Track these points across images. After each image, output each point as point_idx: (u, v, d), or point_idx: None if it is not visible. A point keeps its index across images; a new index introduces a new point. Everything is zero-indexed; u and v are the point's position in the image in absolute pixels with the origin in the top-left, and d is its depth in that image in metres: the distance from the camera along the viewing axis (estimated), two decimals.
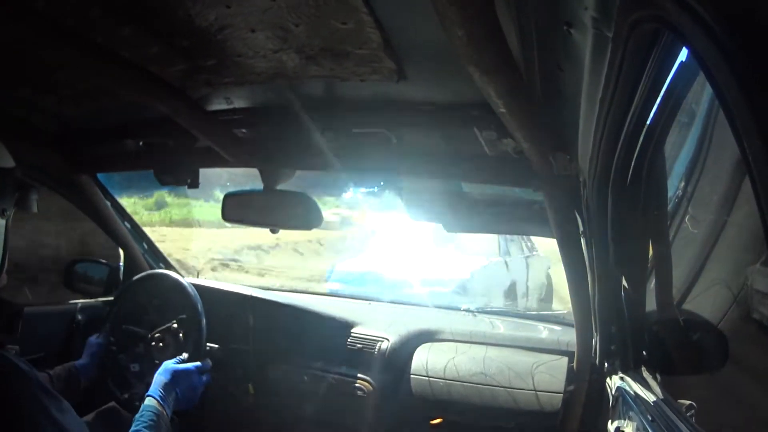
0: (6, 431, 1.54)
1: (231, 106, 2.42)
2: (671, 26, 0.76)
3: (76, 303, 3.43)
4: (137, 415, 2.18)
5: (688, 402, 1.50)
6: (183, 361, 2.60)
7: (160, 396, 2.32)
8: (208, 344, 2.91)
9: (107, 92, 2.31)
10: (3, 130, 2.56)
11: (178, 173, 2.74)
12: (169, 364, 2.52)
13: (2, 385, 1.57)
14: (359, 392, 2.99)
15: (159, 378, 2.43)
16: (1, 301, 1.76)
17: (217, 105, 2.41)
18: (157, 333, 2.93)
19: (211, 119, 2.40)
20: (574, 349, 2.77)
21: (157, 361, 2.88)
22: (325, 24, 1.66)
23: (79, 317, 3.39)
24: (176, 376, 2.46)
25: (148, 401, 2.28)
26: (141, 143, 2.78)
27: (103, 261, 3.50)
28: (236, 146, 2.54)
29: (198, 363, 2.61)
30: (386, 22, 1.62)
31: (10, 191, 1.75)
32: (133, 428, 2.10)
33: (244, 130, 2.52)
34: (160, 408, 2.26)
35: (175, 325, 2.90)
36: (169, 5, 1.66)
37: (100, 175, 3.35)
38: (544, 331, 3.25)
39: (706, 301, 1.51)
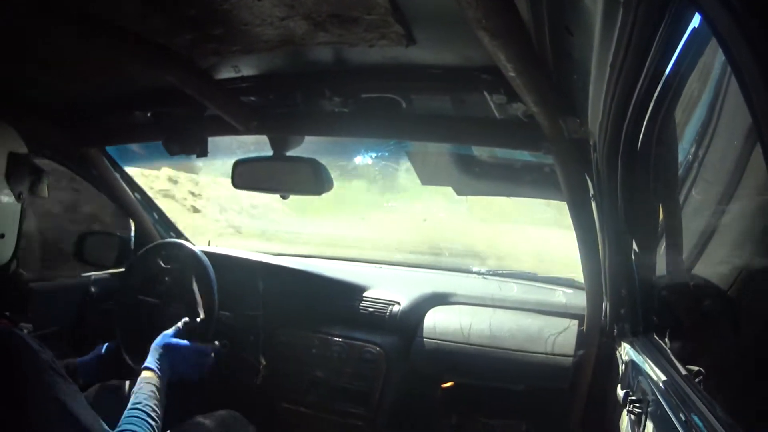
0: (14, 410, 1.56)
1: (239, 74, 2.41)
2: None
3: (89, 276, 3.46)
4: (135, 388, 2.18)
5: (696, 368, 1.50)
6: (180, 330, 2.61)
7: (156, 367, 2.31)
8: (221, 311, 2.92)
9: (114, 65, 2.30)
10: (10, 106, 2.57)
11: (187, 143, 2.73)
12: (166, 336, 2.51)
13: (13, 364, 1.59)
14: (370, 356, 3.01)
15: (154, 349, 2.42)
16: (13, 281, 1.79)
17: (225, 74, 2.39)
18: (168, 303, 2.94)
19: (220, 88, 2.40)
20: (584, 312, 2.78)
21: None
22: None
23: (92, 290, 3.42)
24: (169, 348, 2.44)
25: (144, 373, 2.28)
26: (149, 114, 2.78)
27: (114, 233, 3.51)
28: (245, 114, 2.53)
29: (205, 348, 2.62)
30: None
31: (24, 176, 1.79)
32: (132, 401, 2.09)
33: (252, 98, 2.51)
34: (156, 378, 2.26)
35: (186, 295, 2.91)
36: None
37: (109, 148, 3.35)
38: (554, 295, 3.25)
39: (717, 266, 1.51)
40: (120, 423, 1.94)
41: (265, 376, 3.19)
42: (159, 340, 2.46)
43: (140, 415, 2.04)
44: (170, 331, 2.54)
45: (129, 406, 2.06)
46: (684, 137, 1.72)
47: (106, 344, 2.82)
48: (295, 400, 3.17)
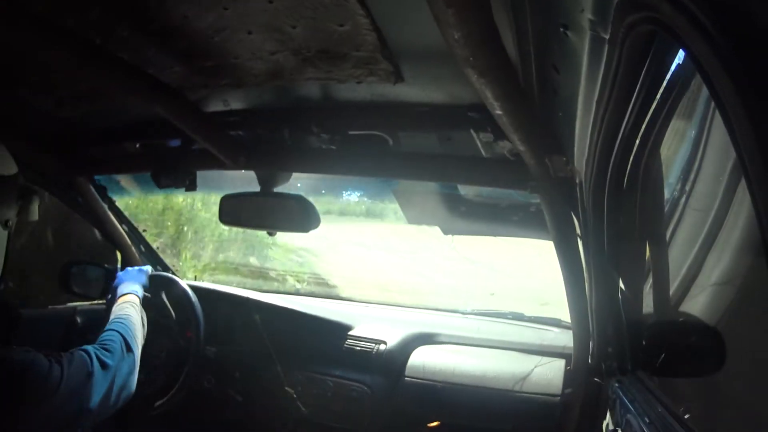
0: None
1: (228, 108, 2.42)
2: (667, 28, 0.76)
3: (74, 306, 3.42)
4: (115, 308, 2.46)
5: (685, 405, 1.50)
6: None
7: (131, 290, 2.62)
8: (206, 347, 2.90)
9: (105, 94, 2.31)
10: (0, 131, 2.56)
11: (175, 176, 2.73)
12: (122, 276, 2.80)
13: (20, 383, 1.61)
14: (356, 395, 2.99)
15: (122, 285, 2.68)
16: (0, 307, 1.76)
17: (214, 107, 2.40)
18: (157, 336, 2.92)
19: (208, 121, 2.40)
20: (571, 351, 2.77)
21: (154, 363, 2.88)
22: (322, 26, 1.66)
23: (77, 320, 3.38)
24: (127, 278, 2.75)
25: (123, 297, 2.57)
26: (138, 145, 2.77)
27: (100, 263, 3.48)
28: (233, 148, 2.53)
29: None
30: (383, 24, 1.62)
31: (13, 200, 1.73)
32: (114, 317, 2.34)
33: (240, 132, 2.52)
34: (133, 297, 2.57)
35: (172, 327, 2.90)
36: (166, 7, 1.66)
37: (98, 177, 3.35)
38: (540, 334, 3.23)
39: (704, 303, 1.51)
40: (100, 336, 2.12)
41: (248, 407, 3.16)
42: (121, 281, 2.75)
43: (118, 324, 2.25)
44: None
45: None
46: (670, 174, 1.74)
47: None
48: None
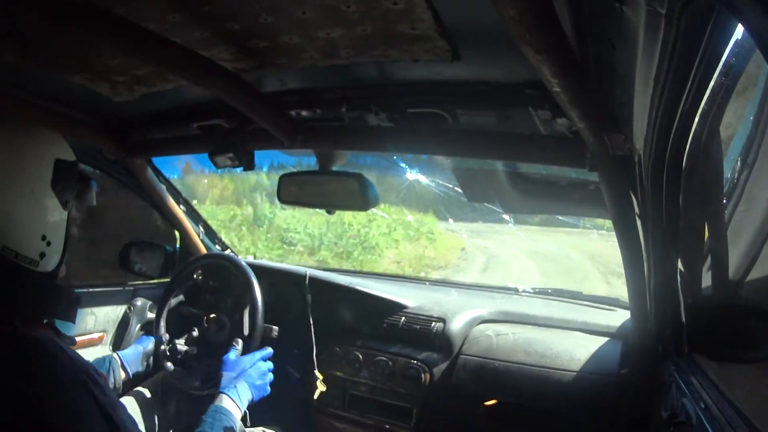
0: (56, 419, 1.54)
1: (285, 88, 2.43)
2: (726, 2, 0.74)
3: (134, 284, 3.52)
4: (205, 415, 2.16)
5: (742, 392, 1.47)
6: (236, 351, 2.67)
7: (231, 392, 2.33)
8: (264, 324, 2.94)
9: (160, 77, 2.34)
10: (59, 116, 2.63)
11: (232, 156, 2.76)
12: (234, 357, 2.57)
13: (55, 372, 1.57)
14: (413, 372, 3.00)
15: (227, 375, 2.45)
16: (60, 289, 1.79)
17: (271, 87, 2.42)
18: (213, 314, 2.97)
19: (265, 101, 2.42)
20: (629, 332, 2.73)
21: (214, 342, 2.93)
22: (377, 4, 1.65)
23: (136, 298, 3.48)
24: (244, 368, 2.49)
25: (219, 399, 2.28)
26: (195, 126, 2.81)
27: (159, 243, 3.56)
28: (290, 128, 2.55)
29: (264, 351, 2.66)
30: (438, 1, 1.61)
31: (72, 184, 1.80)
32: (198, 429, 2.09)
33: (298, 112, 2.53)
34: (231, 405, 2.27)
35: (231, 306, 2.94)
36: None
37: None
38: (598, 314, 3.21)
39: (763, 286, 1.48)
40: None
41: (320, 392, 3.20)
42: (230, 364, 2.51)
43: None
44: (231, 354, 2.59)
45: None
46: (729, 153, 1.70)
47: (152, 337, 2.91)
48: (336, 416, 3.18)
